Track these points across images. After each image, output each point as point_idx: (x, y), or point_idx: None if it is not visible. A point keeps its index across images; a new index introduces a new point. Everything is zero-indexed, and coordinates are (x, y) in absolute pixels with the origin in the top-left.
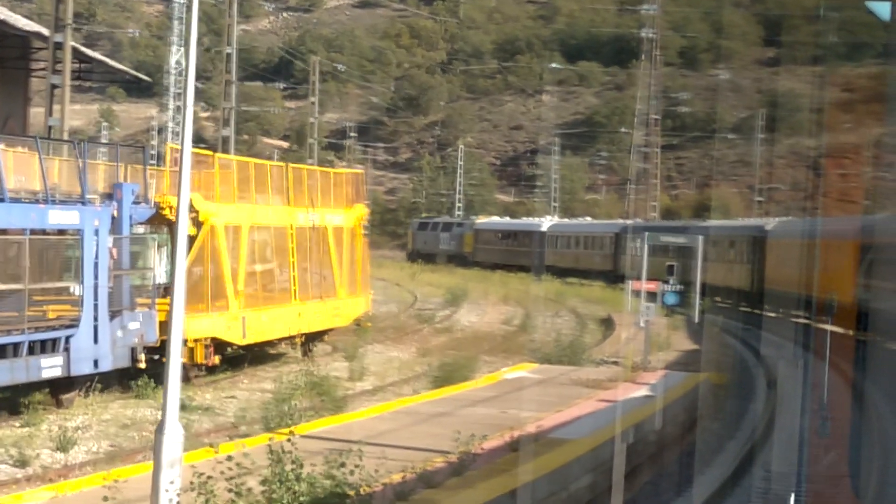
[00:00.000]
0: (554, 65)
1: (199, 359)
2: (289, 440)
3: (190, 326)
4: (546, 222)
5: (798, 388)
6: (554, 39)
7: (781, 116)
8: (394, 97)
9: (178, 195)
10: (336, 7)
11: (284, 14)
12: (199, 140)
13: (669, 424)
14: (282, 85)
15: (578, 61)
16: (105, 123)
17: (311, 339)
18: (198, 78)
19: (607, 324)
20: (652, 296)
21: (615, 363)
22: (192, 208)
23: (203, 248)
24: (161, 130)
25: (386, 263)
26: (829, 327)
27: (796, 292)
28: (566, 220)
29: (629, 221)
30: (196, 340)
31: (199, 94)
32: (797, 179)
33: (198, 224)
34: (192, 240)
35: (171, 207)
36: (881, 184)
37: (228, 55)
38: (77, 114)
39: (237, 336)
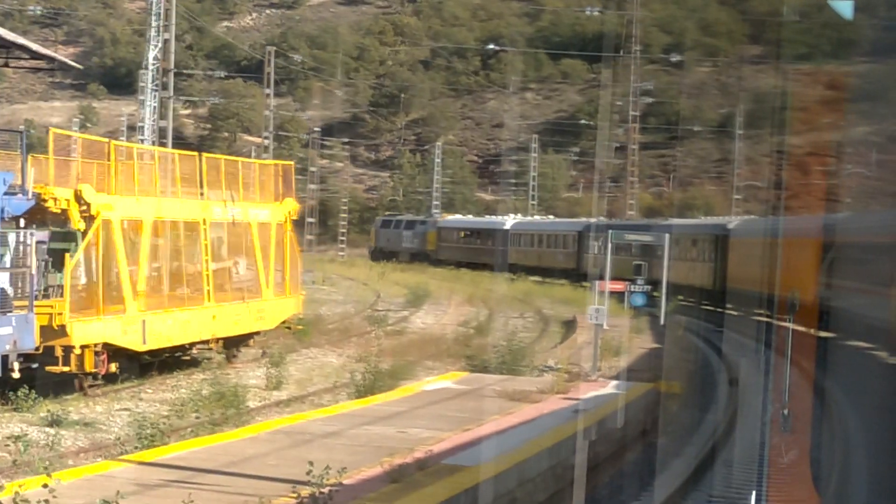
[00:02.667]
0: (493, 46)
1: (89, 367)
2: (45, 486)
3: (77, 331)
4: (509, 220)
5: (760, 386)
6: (538, 37)
7: (764, 114)
8: (375, 94)
9: None
10: (320, 4)
11: (268, 11)
12: (177, 137)
13: (596, 445)
14: (221, 70)
15: (562, 58)
16: (76, 119)
17: (234, 343)
18: (177, 74)
19: (570, 326)
20: (620, 296)
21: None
22: (82, 201)
23: (94, 245)
24: (139, 127)
25: (358, 262)
26: (790, 325)
27: (758, 290)
28: (529, 219)
29: (592, 219)
30: (84, 347)
31: (179, 91)
32: (779, 178)
33: (90, 219)
34: (82, 236)
35: (55, 199)
36: (862, 182)
37: (167, 41)
38: (56, 110)
39: (136, 341)
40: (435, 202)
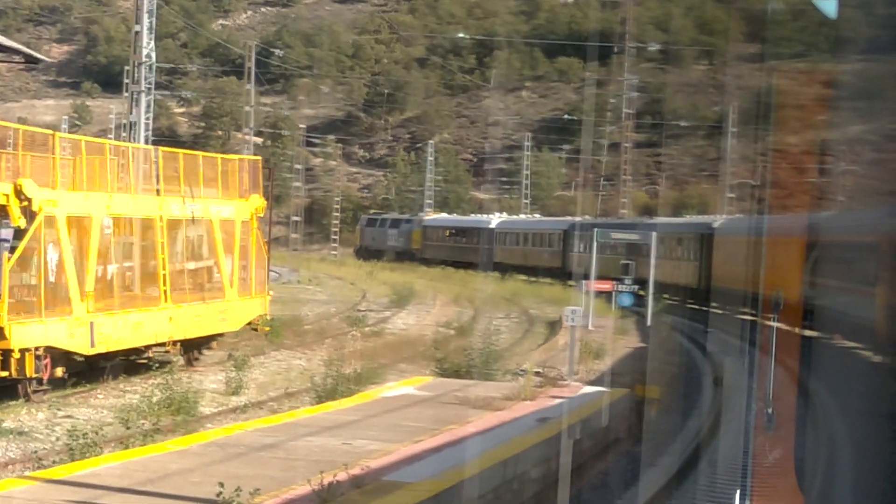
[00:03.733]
0: (462, 34)
1: (30, 372)
2: None
3: (16, 334)
4: (495, 219)
5: (744, 388)
6: (534, 34)
7: (758, 112)
8: (370, 93)
9: None
10: (315, 2)
11: (263, 9)
12: (172, 135)
13: (548, 462)
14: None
15: (558, 56)
16: (65, 117)
17: (196, 346)
18: (173, 72)
19: (555, 326)
20: (607, 295)
21: (536, 374)
22: (22, 196)
23: (37, 242)
24: (132, 125)
25: (349, 262)
26: (774, 324)
27: (742, 289)
28: (514, 217)
29: (577, 218)
30: (24, 350)
31: (175, 90)
32: (774, 176)
33: (31, 214)
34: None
35: None
36: (857, 181)
37: (137, 33)
38: (50, 109)
39: (83, 345)
40: (428, 200)
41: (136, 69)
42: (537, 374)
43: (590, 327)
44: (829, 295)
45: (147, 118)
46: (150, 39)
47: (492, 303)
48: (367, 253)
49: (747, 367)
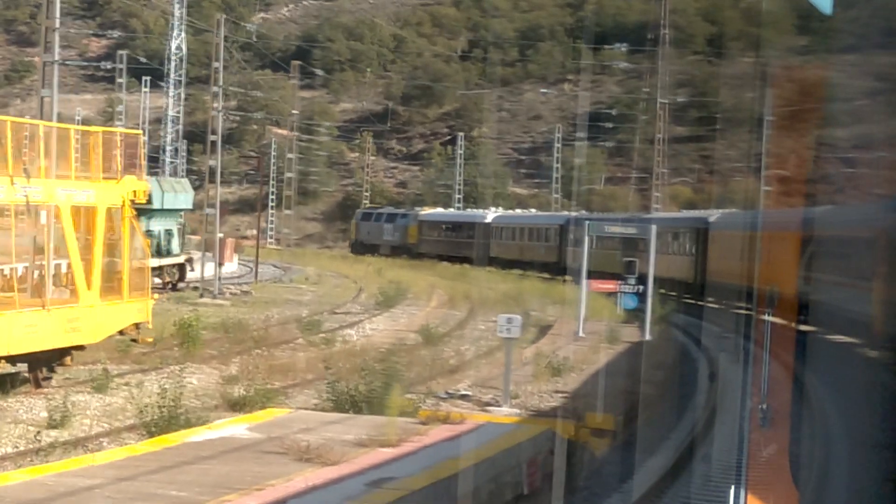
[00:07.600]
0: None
1: None
2: None
3: None
4: (490, 214)
5: (738, 383)
6: (578, 27)
7: (810, 106)
8: (408, 86)
9: None
10: None
11: (304, 2)
12: (205, 129)
13: None
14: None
15: (602, 49)
16: (79, 109)
17: (43, 362)
18: (208, 65)
19: (546, 332)
20: (612, 296)
21: (463, 397)
22: None
23: None
24: (162, 119)
25: (367, 259)
26: (769, 319)
27: (738, 284)
28: (510, 212)
29: (573, 213)
30: None
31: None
32: (825, 171)
33: None
34: None
35: None
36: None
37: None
38: (87, 103)
39: None
40: (458, 195)
41: (47, 35)
42: (463, 396)
43: (580, 333)
44: (825, 290)
45: (177, 112)
46: (181, 31)
47: (492, 303)
48: (363, 248)
49: (742, 364)
